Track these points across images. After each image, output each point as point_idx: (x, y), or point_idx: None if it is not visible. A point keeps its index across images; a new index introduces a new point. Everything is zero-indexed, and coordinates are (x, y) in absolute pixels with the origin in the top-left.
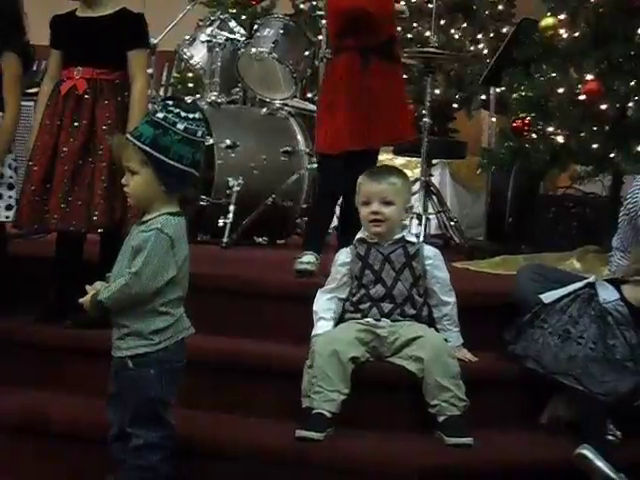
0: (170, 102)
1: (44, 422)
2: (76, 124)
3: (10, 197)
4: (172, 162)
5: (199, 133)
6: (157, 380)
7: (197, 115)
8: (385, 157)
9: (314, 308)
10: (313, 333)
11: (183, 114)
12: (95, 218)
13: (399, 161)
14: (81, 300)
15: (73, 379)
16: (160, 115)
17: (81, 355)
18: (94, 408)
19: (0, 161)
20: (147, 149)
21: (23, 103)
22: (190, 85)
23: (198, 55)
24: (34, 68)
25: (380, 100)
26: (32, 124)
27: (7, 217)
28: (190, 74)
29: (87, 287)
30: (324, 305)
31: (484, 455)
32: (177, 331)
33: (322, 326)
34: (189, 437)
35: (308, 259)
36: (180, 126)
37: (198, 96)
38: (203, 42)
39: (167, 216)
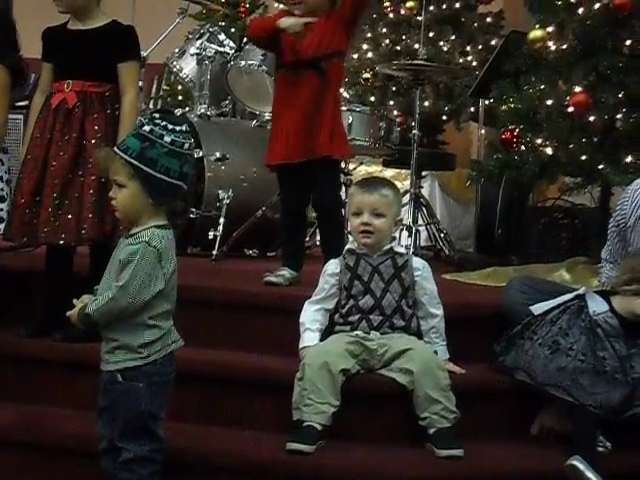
0: (157, 115)
1: (32, 436)
2: (66, 137)
3: (1, 210)
4: (159, 175)
5: (186, 145)
6: (147, 393)
7: (184, 127)
8: (375, 169)
9: (301, 319)
10: (300, 345)
11: (170, 127)
12: (84, 232)
13: (388, 173)
14: (68, 313)
15: (62, 393)
16: (147, 128)
17: (70, 369)
18: (83, 422)
19: None
20: (134, 162)
21: (13, 116)
22: (180, 98)
23: (187, 68)
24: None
25: (304, 115)
26: (23, 137)
27: None
28: (180, 87)
29: (74, 300)
30: (311, 316)
31: (475, 466)
32: (166, 344)
33: (309, 338)
34: (179, 450)
35: (279, 273)
36: (167, 139)
37: (188, 109)
38: (192, 55)
39: (155, 229)
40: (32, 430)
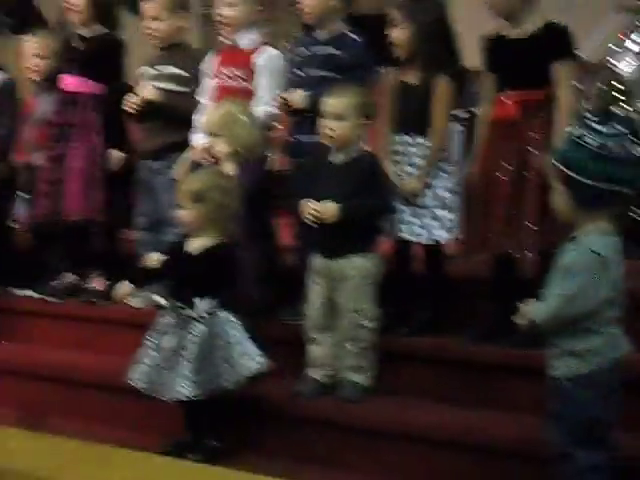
0: (587, 116)
1: (486, 440)
2: (509, 149)
3: (450, 220)
4: (583, 179)
5: (616, 148)
6: (594, 400)
7: (616, 129)
8: None
9: None
10: None
11: (598, 128)
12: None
13: None
14: (515, 319)
15: (505, 397)
16: (575, 131)
17: (522, 373)
18: (528, 426)
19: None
20: (559, 166)
21: (454, 126)
22: (619, 96)
23: (625, 64)
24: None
25: None
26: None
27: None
28: (617, 85)
29: (520, 306)
30: None
31: None
32: (613, 350)
33: None
34: (632, 458)
35: None
36: (592, 141)
37: (627, 108)
38: (631, 51)
39: (595, 235)
40: (483, 433)
